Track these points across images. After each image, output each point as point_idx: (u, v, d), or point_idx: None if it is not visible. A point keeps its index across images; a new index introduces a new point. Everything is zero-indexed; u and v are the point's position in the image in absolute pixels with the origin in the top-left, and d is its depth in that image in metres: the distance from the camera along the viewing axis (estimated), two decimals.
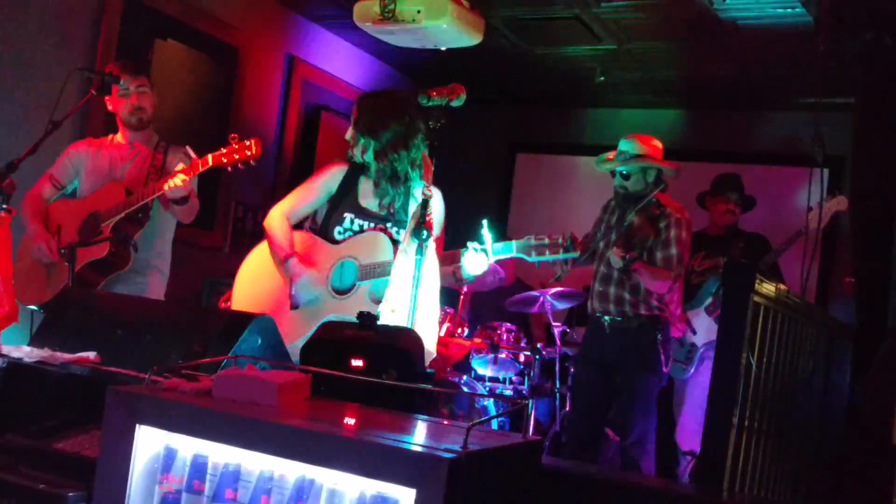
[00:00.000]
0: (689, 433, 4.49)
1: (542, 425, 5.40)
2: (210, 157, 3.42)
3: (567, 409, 4.98)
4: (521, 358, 5.33)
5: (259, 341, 2.46)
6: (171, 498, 1.73)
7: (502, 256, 2.97)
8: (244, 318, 2.49)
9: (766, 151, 6.67)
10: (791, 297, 2.93)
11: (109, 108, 3.87)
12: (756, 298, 2.60)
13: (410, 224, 2.78)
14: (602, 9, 5.12)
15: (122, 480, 1.72)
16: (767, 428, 2.79)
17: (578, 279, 5.06)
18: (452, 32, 3.86)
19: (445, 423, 1.95)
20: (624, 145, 4.24)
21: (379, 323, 2.35)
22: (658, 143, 4.27)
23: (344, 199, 3.34)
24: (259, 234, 3.51)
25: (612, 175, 4.29)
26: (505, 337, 5.29)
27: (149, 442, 1.75)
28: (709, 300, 4.52)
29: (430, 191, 2.78)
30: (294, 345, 3.05)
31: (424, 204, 2.75)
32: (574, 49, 5.92)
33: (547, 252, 2.85)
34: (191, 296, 5.16)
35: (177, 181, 3.44)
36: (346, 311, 3.13)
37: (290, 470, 1.64)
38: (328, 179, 3.38)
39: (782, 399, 2.93)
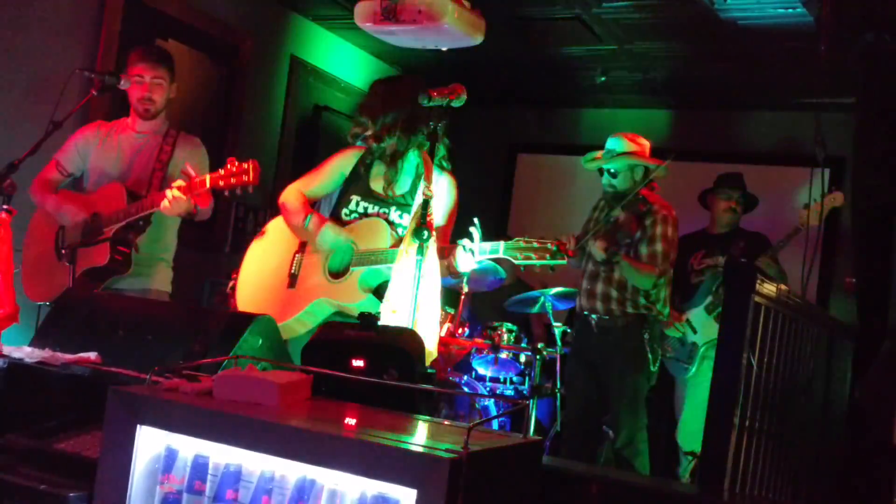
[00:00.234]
0: (690, 433, 4.49)
1: (542, 425, 5.40)
2: (208, 177, 3.35)
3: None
4: (522, 358, 5.33)
5: (260, 342, 2.46)
6: (172, 498, 1.73)
7: (489, 256, 2.97)
8: (245, 319, 2.50)
9: (766, 151, 6.67)
10: (791, 298, 2.93)
11: (123, 86, 3.73)
12: (757, 299, 2.60)
13: (411, 224, 2.77)
14: (602, 9, 5.12)
15: (123, 481, 1.73)
16: (768, 428, 2.79)
17: (579, 279, 5.05)
18: (452, 32, 3.86)
19: (446, 423, 1.95)
20: (611, 143, 4.30)
21: (379, 323, 2.36)
22: (645, 142, 4.32)
23: (356, 181, 3.36)
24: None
25: (600, 174, 4.32)
26: (505, 337, 5.29)
27: (150, 442, 1.75)
28: (708, 299, 4.52)
29: (430, 191, 2.78)
30: (285, 323, 3.05)
31: (425, 204, 2.75)
32: (574, 49, 5.92)
33: (533, 257, 2.85)
34: (192, 296, 5.16)
35: (166, 201, 3.38)
36: (338, 295, 3.14)
37: (291, 470, 1.64)
38: (342, 161, 3.41)
39: (783, 399, 2.93)
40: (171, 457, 1.74)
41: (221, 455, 1.70)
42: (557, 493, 2.06)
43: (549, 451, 4.80)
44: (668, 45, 5.64)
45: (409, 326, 2.62)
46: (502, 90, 7.15)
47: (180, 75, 4.10)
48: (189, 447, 1.73)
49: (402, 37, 4.01)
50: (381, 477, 1.53)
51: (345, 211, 3.33)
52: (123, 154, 3.81)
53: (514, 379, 5.41)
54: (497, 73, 6.64)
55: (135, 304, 3.19)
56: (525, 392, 5.29)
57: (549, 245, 2.83)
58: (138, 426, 1.74)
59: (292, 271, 3.28)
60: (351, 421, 1.77)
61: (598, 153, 4.35)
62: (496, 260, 3.08)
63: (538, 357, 5.08)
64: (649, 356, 4.14)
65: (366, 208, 3.30)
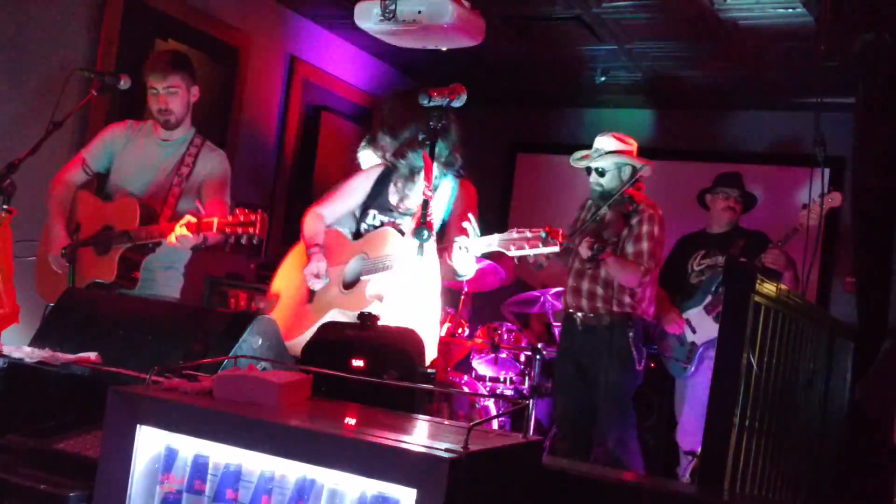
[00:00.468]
0: (690, 433, 4.49)
1: (542, 425, 5.40)
2: (216, 221, 3.32)
3: None
4: (522, 358, 5.33)
5: (260, 342, 2.46)
6: (172, 498, 1.73)
7: (484, 250, 2.97)
8: (245, 319, 2.50)
9: (766, 151, 6.68)
10: (791, 297, 2.93)
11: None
12: (757, 298, 2.61)
13: (411, 224, 2.78)
14: (602, 9, 5.12)
15: (123, 481, 1.72)
16: (768, 428, 2.79)
17: (565, 278, 5.06)
18: (452, 32, 3.86)
19: (446, 423, 1.95)
20: (599, 142, 4.33)
21: (380, 323, 2.36)
22: (632, 141, 4.34)
23: (376, 197, 3.39)
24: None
25: (588, 173, 4.33)
26: (505, 337, 5.30)
27: (150, 442, 1.75)
28: (708, 298, 4.52)
29: (430, 191, 2.78)
30: (302, 337, 3.07)
31: (425, 204, 2.75)
32: (574, 49, 5.92)
33: (526, 246, 2.84)
34: (192, 296, 5.16)
35: (174, 237, 3.37)
36: (348, 304, 3.17)
37: (290, 470, 1.64)
38: (363, 179, 3.44)
39: (783, 399, 2.93)
40: (170, 457, 1.74)
41: (221, 455, 1.70)
42: (557, 493, 2.06)
43: (550, 451, 4.80)
44: (668, 45, 5.64)
45: (409, 326, 2.62)
46: (502, 90, 7.15)
47: None
48: (189, 447, 1.73)
49: (402, 37, 4.01)
50: (381, 477, 1.53)
51: (363, 226, 3.37)
52: (146, 160, 3.77)
53: (514, 379, 5.42)
54: (497, 73, 6.64)
55: (135, 304, 3.19)
56: (525, 392, 5.30)
57: (540, 233, 2.83)
58: (138, 426, 1.73)
59: (311, 288, 3.32)
60: (351, 421, 1.77)
61: (587, 152, 4.38)
62: (493, 256, 3.07)
63: (538, 357, 5.08)
64: (634, 355, 4.14)
65: (382, 221, 3.33)
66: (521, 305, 5.38)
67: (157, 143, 3.80)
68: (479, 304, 5.83)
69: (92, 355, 2.49)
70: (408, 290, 2.81)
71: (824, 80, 4.94)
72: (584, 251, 4.06)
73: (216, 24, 5.43)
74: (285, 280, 3.49)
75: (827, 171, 3.97)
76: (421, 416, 1.97)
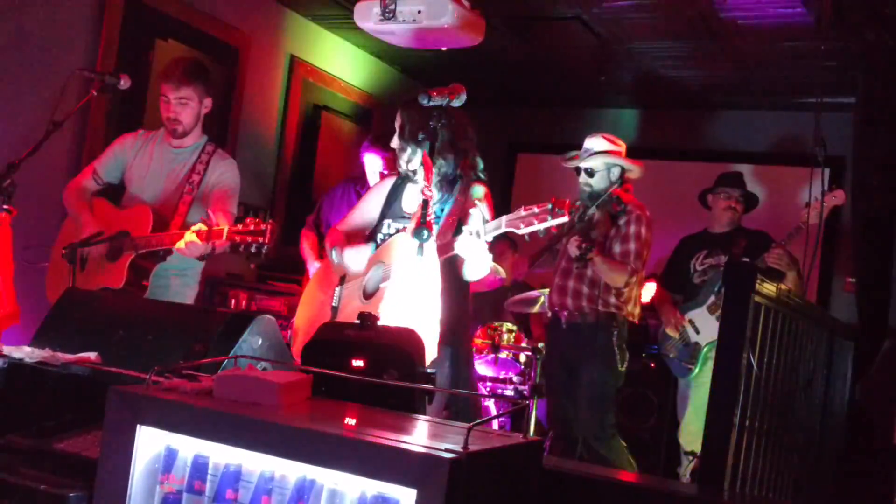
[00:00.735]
0: (692, 433, 4.49)
1: (542, 425, 5.40)
2: (226, 229, 3.29)
3: None
4: (522, 358, 5.33)
5: (260, 342, 2.46)
6: (172, 498, 1.73)
7: (494, 232, 2.96)
8: (245, 319, 2.50)
9: (766, 151, 6.68)
10: (792, 297, 2.93)
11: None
12: (757, 298, 2.60)
13: (411, 225, 2.78)
14: (602, 9, 5.12)
15: (123, 481, 1.72)
16: (768, 428, 2.79)
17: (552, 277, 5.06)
18: (452, 32, 3.86)
19: (446, 423, 1.95)
20: (588, 143, 4.34)
21: (380, 323, 2.35)
22: (622, 142, 4.35)
23: (391, 207, 3.39)
24: None
25: (577, 173, 4.33)
26: (505, 337, 5.30)
27: (150, 442, 1.75)
28: (711, 298, 4.51)
29: (430, 191, 2.79)
30: None
31: (424, 204, 2.75)
32: (574, 49, 5.92)
33: (535, 221, 2.84)
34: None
35: (183, 243, 3.35)
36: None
37: (290, 470, 1.64)
38: (377, 191, 3.47)
39: (783, 399, 2.93)
40: (170, 457, 1.74)
41: (221, 455, 1.70)
42: (557, 493, 2.05)
43: (549, 451, 4.80)
44: (667, 45, 5.65)
45: (409, 326, 2.62)
46: (502, 90, 7.15)
47: None
48: (189, 447, 1.73)
49: (402, 37, 4.01)
50: (381, 477, 1.53)
51: (379, 236, 3.38)
52: (157, 168, 3.76)
53: (514, 379, 5.42)
54: (497, 73, 6.64)
55: (135, 304, 3.19)
56: (525, 392, 5.30)
57: (547, 205, 2.83)
58: (138, 426, 1.73)
59: (333, 304, 3.32)
60: (351, 421, 1.77)
61: (577, 152, 4.39)
62: (495, 255, 3.07)
63: (538, 357, 5.08)
64: (617, 355, 4.15)
65: (397, 229, 3.33)
66: (521, 305, 5.37)
67: (169, 150, 3.79)
68: (479, 304, 5.82)
69: (92, 355, 2.49)
70: (408, 290, 2.81)
71: (824, 80, 4.94)
72: (573, 250, 4.08)
73: (216, 24, 5.43)
74: (305, 309, 3.48)
75: (827, 171, 3.97)
76: (421, 417, 1.97)
